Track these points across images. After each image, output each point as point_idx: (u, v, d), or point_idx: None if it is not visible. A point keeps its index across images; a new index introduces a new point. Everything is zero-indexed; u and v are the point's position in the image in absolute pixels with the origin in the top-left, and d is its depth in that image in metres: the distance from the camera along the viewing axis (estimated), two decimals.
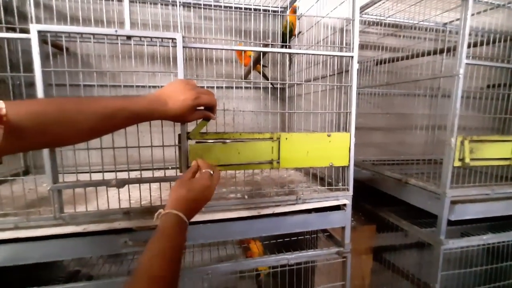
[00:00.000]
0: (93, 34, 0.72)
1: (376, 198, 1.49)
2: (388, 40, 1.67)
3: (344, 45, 0.94)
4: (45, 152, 0.70)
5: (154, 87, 1.30)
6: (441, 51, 1.34)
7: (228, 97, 1.38)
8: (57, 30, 0.67)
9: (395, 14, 1.55)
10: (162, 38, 0.75)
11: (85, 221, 0.75)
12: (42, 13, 1.14)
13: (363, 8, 1.50)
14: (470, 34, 0.96)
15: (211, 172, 0.61)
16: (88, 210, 0.77)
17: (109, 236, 0.75)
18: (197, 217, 0.75)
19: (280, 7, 1.47)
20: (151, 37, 0.74)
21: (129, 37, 0.74)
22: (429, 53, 1.40)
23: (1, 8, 0.96)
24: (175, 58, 0.74)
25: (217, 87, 1.33)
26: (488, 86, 1.68)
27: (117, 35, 0.72)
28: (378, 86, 1.60)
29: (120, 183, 0.74)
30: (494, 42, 1.14)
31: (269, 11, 1.46)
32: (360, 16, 1.56)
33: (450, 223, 1.08)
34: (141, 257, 0.46)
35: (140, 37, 0.74)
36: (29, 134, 0.44)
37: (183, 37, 0.75)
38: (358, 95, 1.67)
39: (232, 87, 1.37)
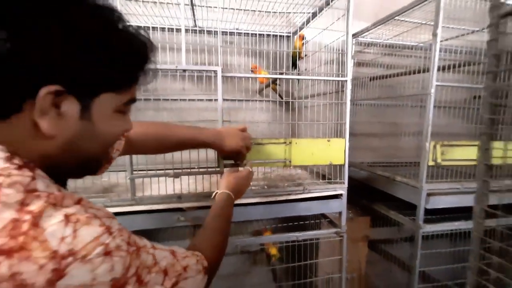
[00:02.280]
0: (160, 70, 1.04)
1: (373, 195, 1.78)
2: (383, 58, 1.98)
3: (340, 70, 1.25)
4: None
5: (192, 100, 1.62)
6: (424, 70, 1.64)
7: (246, 108, 1.69)
8: None
9: (387, 37, 1.86)
10: (207, 71, 1.07)
11: (150, 202, 1.06)
12: None
13: (356, 34, 1.82)
14: (441, 58, 1.26)
15: (250, 169, 0.90)
16: (152, 194, 1.08)
17: (167, 213, 1.06)
18: None
19: (290, 33, 1.79)
20: (200, 70, 1.06)
21: (184, 70, 1.06)
22: (414, 72, 1.70)
23: None
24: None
25: (238, 100, 1.65)
26: (475, 97, 1.97)
27: (177, 69, 1.04)
28: (372, 99, 1.90)
29: (176, 175, 1.06)
30: (462, 65, 1.44)
31: (280, 36, 1.78)
32: (356, 39, 1.89)
33: (430, 213, 1.36)
34: (207, 221, 0.67)
35: (192, 70, 1.06)
36: (136, 145, 0.76)
37: (222, 68, 1.06)
38: (355, 106, 1.99)
39: (249, 100, 1.69)
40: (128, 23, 0.39)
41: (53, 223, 0.31)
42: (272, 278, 1.86)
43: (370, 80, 1.94)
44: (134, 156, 1.04)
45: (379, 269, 1.85)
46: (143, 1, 1.23)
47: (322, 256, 1.48)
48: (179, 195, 1.09)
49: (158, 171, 1.07)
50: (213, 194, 0.83)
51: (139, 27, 0.41)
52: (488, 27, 0.44)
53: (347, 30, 1.19)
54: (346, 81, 1.22)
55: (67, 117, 0.35)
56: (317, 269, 1.45)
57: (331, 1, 1.24)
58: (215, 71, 1.06)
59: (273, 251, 1.68)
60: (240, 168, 0.91)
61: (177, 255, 0.48)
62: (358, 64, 1.96)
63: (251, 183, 0.89)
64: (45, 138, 0.35)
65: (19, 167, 0.33)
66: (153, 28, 1.45)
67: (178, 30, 1.11)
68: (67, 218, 0.32)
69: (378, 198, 1.75)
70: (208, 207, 1.06)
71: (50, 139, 0.36)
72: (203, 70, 1.07)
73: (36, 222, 0.30)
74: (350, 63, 1.22)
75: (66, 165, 0.40)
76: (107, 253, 0.33)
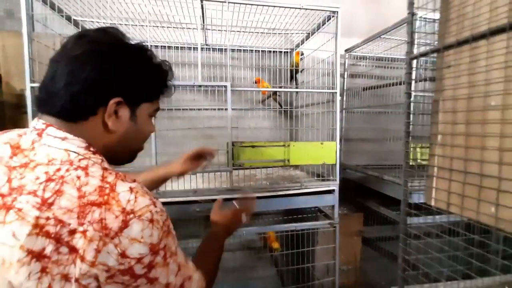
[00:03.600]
0: (180, 85, 1.28)
1: (367, 194, 1.98)
2: (374, 70, 2.22)
3: (331, 83, 1.49)
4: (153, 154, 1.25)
5: (206, 109, 1.86)
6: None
7: (251, 116, 1.93)
8: None
9: (377, 51, 2.10)
10: (219, 86, 1.31)
11: (171, 195, 1.29)
12: None
13: (349, 50, 2.06)
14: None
15: (237, 206, 0.88)
16: (173, 189, 1.31)
17: (186, 205, 1.29)
18: (237, 194, 1.28)
19: (289, 49, 2.04)
20: (213, 85, 1.30)
21: (200, 86, 1.30)
22: (401, 83, 1.93)
23: None
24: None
25: (244, 109, 1.89)
26: None
27: (194, 85, 1.28)
28: (365, 107, 2.13)
29: (193, 172, 1.29)
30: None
31: (280, 52, 2.03)
32: (349, 54, 2.13)
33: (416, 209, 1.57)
34: (200, 254, 0.69)
35: (207, 85, 1.30)
36: None
37: (231, 84, 1.30)
38: (350, 113, 2.21)
39: (253, 109, 1.93)
40: (156, 57, 0.58)
41: (123, 191, 0.45)
42: (275, 271, 2.06)
43: (363, 90, 2.16)
44: (158, 156, 1.28)
45: (372, 262, 2.04)
46: (167, 27, 1.49)
47: (320, 241, 1.69)
48: (195, 190, 1.32)
49: None
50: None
51: (164, 61, 0.61)
52: (405, 65, 0.67)
53: (336, 50, 1.43)
54: (335, 92, 1.45)
55: (122, 119, 0.53)
56: (314, 258, 1.65)
57: (321, 26, 1.48)
58: (225, 86, 1.30)
59: (275, 245, 1.88)
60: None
61: (189, 263, 0.56)
62: (352, 75, 2.19)
63: (245, 217, 0.87)
64: (109, 133, 0.52)
65: (94, 153, 0.50)
66: (171, 47, 1.71)
67: (191, 48, 1.35)
68: (131, 189, 0.46)
69: (372, 198, 1.95)
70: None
71: (112, 133, 0.53)
72: (215, 86, 1.32)
73: (113, 188, 0.45)
74: (338, 78, 1.45)
75: (118, 153, 0.57)
76: (151, 220, 0.45)
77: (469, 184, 0.57)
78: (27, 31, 1.13)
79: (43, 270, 0.40)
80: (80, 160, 0.47)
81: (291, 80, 1.95)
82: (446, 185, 0.65)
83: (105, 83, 0.50)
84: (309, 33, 1.67)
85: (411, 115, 0.79)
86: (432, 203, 0.73)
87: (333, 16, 1.41)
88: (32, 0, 1.18)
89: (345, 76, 2.15)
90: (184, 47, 1.78)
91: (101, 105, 0.50)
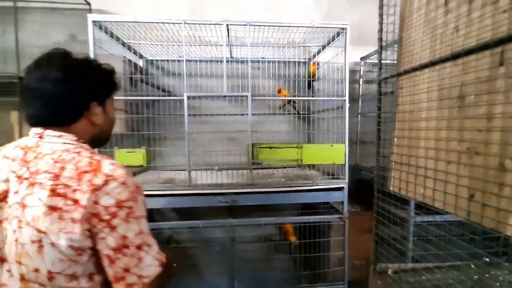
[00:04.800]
0: (209, 96, 1.55)
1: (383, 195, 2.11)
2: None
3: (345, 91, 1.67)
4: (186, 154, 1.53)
5: (231, 115, 2.14)
6: None
7: (270, 121, 2.17)
8: (197, 95, 1.51)
9: (392, 57, 2.23)
10: (241, 96, 1.57)
11: (201, 188, 1.56)
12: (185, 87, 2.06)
13: (364, 58, 2.22)
14: None
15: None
16: (202, 182, 1.58)
17: (212, 197, 1.55)
18: (256, 189, 1.52)
19: (306, 59, 2.24)
20: (235, 95, 1.56)
21: (225, 96, 1.56)
22: None
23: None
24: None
25: (264, 114, 2.13)
26: None
27: (220, 95, 1.54)
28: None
29: (220, 169, 1.55)
30: None
31: (298, 62, 2.24)
32: (365, 61, 2.28)
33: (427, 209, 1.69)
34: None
35: (231, 96, 1.56)
36: None
37: (252, 94, 1.55)
38: (364, 117, 2.35)
39: (272, 114, 2.17)
40: (110, 66, 0.77)
41: (106, 164, 0.65)
42: (292, 263, 2.26)
43: (384, 94, 2.30)
44: (190, 156, 1.56)
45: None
46: (199, 45, 1.78)
47: (334, 242, 1.87)
48: (220, 184, 1.58)
49: (207, 167, 1.57)
50: None
51: (107, 65, 0.76)
52: (377, 85, 0.86)
53: (345, 62, 1.62)
54: (344, 100, 1.63)
55: (100, 115, 0.74)
56: (328, 250, 1.84)
57: (331, 41, 1.68)
58: (246, 96, 1.55)
59: (293, 238, 2.09)
60: None
61: (152, 239, 0.69)
62: (367, 81, 2.33)
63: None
64: (95, 127, 0.74)
65: (83, 143, 0.71)
66: (202, 60, 2.01)
67: (218, 61, 1.61)
68: (112, 163, 0.66)
69: (386, 198, 2.08)
70: (240, 193, 1.54)
71: (97, 126, 0.74)
72: (238, 96, 1.57)
73: (99, 162, 0.65)
74: (347, 86, 1.63)
75: (101, 139, 0.79)
76: (123, 183, 0.64)
77: (409, 173, 0.75)
78: (93, 55, 1.47)
79: (60, 217, 0.61)
80: (74, 148, 0.69)
81: (308, 88, 2.15)
82: (398, 175, 0.83)
83: (85, 94, 0.71)
84: (324, 45, 1.87)
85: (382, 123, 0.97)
86: (391, 189, 0.90)
87: (342, 32, 1.60)
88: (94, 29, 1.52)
89: (361, 83, 2.30)
90: (213, 60, 2.06)
91: (86, 109, 0.72)
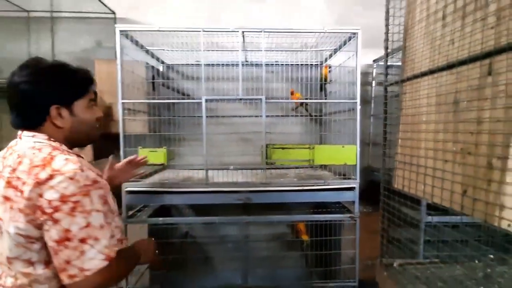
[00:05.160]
0: (226, 99, 1.65)
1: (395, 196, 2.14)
2: None
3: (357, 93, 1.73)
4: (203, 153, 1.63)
5: (245, 116, 2.23)
6: None
7: (284, 122, 2.24)
8: (214, 98, 1.61)
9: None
10: (255, 98, 1.65)
11: (217, 186, 1.66)
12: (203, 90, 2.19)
13: (377, 60, 2.25)
14: None
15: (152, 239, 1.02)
16: (218, 181, 1.68)
17: (228, 194, 1.64)
18: (270, 187, 1.60)
19: (319, 62, 2.30)
20: (250, 98, 1.65)
21: (240, 99, 1.65)
22: None
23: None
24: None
25: (277, 116, 2.21)
26: None
27: (235, 98, 1.64)
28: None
29: (234, 168, 1.64)
30: None
31: (311, 65, 2.31)
32: (377, 64, 2.32)
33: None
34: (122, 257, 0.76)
35: (247, 99, 1.65)
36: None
37: (266, 97, 1.63)
38: (377, 119, 2.38)
39: (286, 116, 2.24)
40: (76, 67, 0.80)
41: (59, 159, 0.69)
42: (304, 261, 2.33)
43: (391, 97, 2.33)
44: (208, 156, 1.66)
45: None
46: (216, 50, 1.89)
47: (345, 241, 1.92)
48: (235, 182, 1.67)
49: (222, 166, 1.67)
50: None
51: (79, 67, 0.81)
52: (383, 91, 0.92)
53: (356, 65, 1.67)
54: (355, 102, 1.69)
55: (65, 117, 0.77)
56: (340, 248, 1.90)
57: (344, 45, 1.74)
58: (260, 99, 1.63)
59: (305, 237, 2.15)
60: None
61: (105, 232, 0.70)
62: (379, 83, 2.37)
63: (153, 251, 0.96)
64: (61, 129, 0.77)
65: (54, 141, 0.76)
66: (219, 64, 2.12)
67: (234, 65, 1.70)
68: (66, 159, 0.70)
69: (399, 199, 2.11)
70: (255, 191, 1.62)
71: (62, 128, 0.77)
72: (253, 99, 1.66)
73: (53, 158, 0.69)
74: (359, 90, 1.68)
75: (78, 139, 0.82)
76: (71, 178, 0.67)
77: (411, 171, 0.81)
78: (120, 62, 1.60)
79: (11, 207, 0.68)
80: (41, 145, 0.74)
81: (320, 90, 2.21)
82: (401, 173, 0.89)
83: (42, 100, 0.75)
84: (336, 49, 1.93)
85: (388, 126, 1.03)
86: (395, 186, 0.96)
87: (353, 36, 1.66)
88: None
89: (373, 85, 2.34)
90: (228, 64, 2.17)
91: (47, 114, 0.75)
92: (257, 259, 2.22)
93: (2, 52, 2.13)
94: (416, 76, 0.79)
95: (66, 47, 2.20)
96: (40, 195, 0.66)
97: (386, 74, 1.04)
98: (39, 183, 0.66)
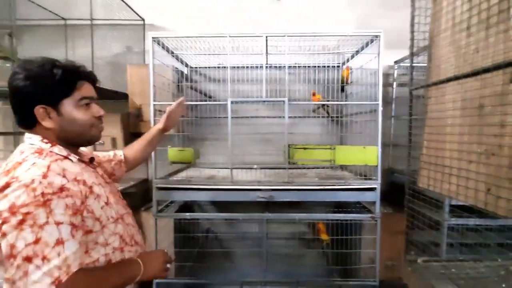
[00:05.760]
0: (249, 101, 1.73)
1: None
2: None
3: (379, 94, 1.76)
4: (228, 153, 1.72)
5: (267, 117, 2.31)
6: None
7: (304, 123, 2.30)
8: (239, 100, 1.70)
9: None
10: (276, 101, 1.72)
11: (241, 184, 1.74)
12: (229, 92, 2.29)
13: (398, 61, 2.27)
14: None
15: (165, 250, 0.87)
16: (243, 179, 1.76)
17: (253, 192, 1.72)
18: (292, 186, 1.67)
19: (340, 63, 2.34)
20: (274, 100, 1.72)
21: (264, 101, 1.73)
22: None
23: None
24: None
25: (299, 117, 2.27)
26: None
27: (259, 100, 1.71)
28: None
29: (258, 167, 1.72)
30: None
31: (331, 66, 2.35)
32: (398, 65, 2.33)
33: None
34: (108, 267, 0.72)
35: (271, 101, 1.72)
36: (131, 161, 1.10)
37: (288, 99, 1.70)
38: (399, 120, 2.38)
39: (306, 117, 2.30)
40: (64, 64, 0.73)
41: (26, 164, 0.63)
42: (323, 259, 2.37)
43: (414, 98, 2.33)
44: (232, 155, 1.75)
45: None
46: (242, 54, 1.98)
47: (365, 241, 1.96)
48: (259, 181, 1.75)
49: (245, 165, 1.75)
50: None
51: (67, 63, 0.75)
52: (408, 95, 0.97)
53: (378, 67, 1.71)
54: (378, 104, 1.72)
55: (53, 117, 0.72)
56: (360, 248, 1.93)
57: (365, 47, 1.78)
58: (283, 101, 1.70)
59: (324, 236, 2.20)
60: None
61: (64, 248, 0.60)
62: (400, 84, 2.37)
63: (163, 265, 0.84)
64: (49, 130, 0.72)
65: (46, 143, 0.71)
66: (243, 67, 2.21)
67: (256, 67, 1.79)
68: (33, 163, 0.64)
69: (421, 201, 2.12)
70: (277, 190, 1.69)
71: (51, 129, 0.72)
72: (276, 101, 1.73)
73: (21, 163, 0.64)
74: (381, 91, 1.72)
75: (73, 139, 0.76)
76: (26, 185, 0.60)
77: (436, 171, 0.85)
78: (152, 66, 1.71)
79: None
80: (27, 148, 0.70)
81: (341, 91, 2.25)
82: (426, 173, 0.93)
83: (28, 100, 0.71)
84: (358, 50, 1.97)
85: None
86: (420, 185, 1.00)
87: (375, 39, 1.70)
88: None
89: (394, 86, 2.35)
90: (251, 67, 2.25)
91: (31, 114, 0.71)
92: (276, 255, 2.29)
93: None
94: (441, 82, 0.83)
95: (98, 53, 2.36)
96: None
97: (411, 79, 1.08)
98: None
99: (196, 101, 2.27)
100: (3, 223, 0.58)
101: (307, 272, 2.31)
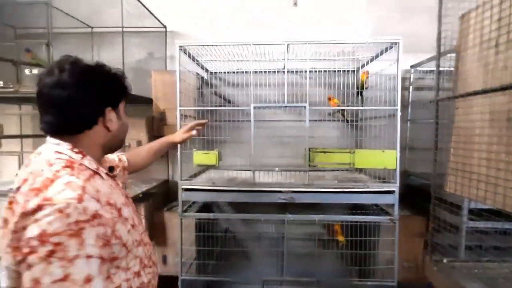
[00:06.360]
0: (271, 107, 1.80)
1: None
2: (442, 84, 2.39)
3: (393, 100, 1.81)
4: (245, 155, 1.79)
5: (286, 120, 2.38)
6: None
7: (322, 126, 2.36)
8: (262, 106, 1.77)
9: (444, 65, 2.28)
10: (297, 106, 1.79)
11: (263, 186, 1.81)
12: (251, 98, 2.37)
13: (415, 66, 2.30)
14: None
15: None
16: (264, 181, 1.83)
17: (274, 193, 1.79)
18: (312, 188, 1.73)
19: (356, 67, 2.39)
20: (295, 106, 1.78)
21: (286, 106, 1.80)
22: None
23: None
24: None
25: (316, 120, 2.33)
26: None
27: (281, 106, 1.78)
28: (429, 118, 2.33)
29: (280, 169, 1.79)
30: None
31: (348, 71, 2.40)
32: (415, 69, 2.36)
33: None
34: None
35: (291, 106, 1.79)
36: (132, 168, 1.05)
37: (309, 104, 1.76)
38: (416, 124, 2.41)
39: (324, 120, 2.35)
40: (119, 71, 0.75)
41: (59, 183, 0.57)
42: (340, 261, 2.42)
43: (430, 102, 2.36)
44: (249, 158, 1.82)
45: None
46: (264, 60, 2.06)
47: (382, 243, 2.00)
48: (280, 183, 1.82)
49: (265, 168, 1.82)
50: None
51: (117, 69, 0.75)
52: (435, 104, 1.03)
53: (397, 73, 1.76)
54: (396, 109, 1.77)
55: (114, 120, 0.72)
56: (377, 249, 1.98)
57: (384, 52, 1.83)
58: (304, 106, 1.77)
59: (341, 238, 2.25)
60: None
61: (93, 283, 0.54)
62: (417, 88, 2.41)
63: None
64: (110, 132, 0.72)
65: (77, 152, 0.66)
66: (262, 72, 2.28)
67: (275, 72, 1.85)
68: (68, 183, 0.57)
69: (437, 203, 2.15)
70: (298, 192, 1.75)
71: (111, 132, 0.72)
72: (297, 106, 1.80)
73: (53, 180, 0.57)
74: (399, 96, 1.76)
75: (113, 145, 0.77)
76: (60, 210, 0.53)
77: (464, 177, 0.90)
78: (178, 73, 1.80)
79: (4, 234, 0.58)
80: (57, 158, 0.63)
81: (357, 96, 2.30)
82: (454, 179, 0.98)
83: (99, 100, 0.70)
84: (377, 55, 2.02)
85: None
86: (447, 190, 1.05)
87: (394, 46, 1.75)
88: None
89: (410, 90, 2.38)
90: (271, 71, 2.33)
91: (100, 115, 0.70)
92: (293, 255, 2.35)
93: None
94: (469, 94, 0.89)
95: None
96: (24, 228, 0.54)
97: (438, 90, 1.13)
98: (25, 214, 0.54)
99: (216, 105, 2.35)
100: (31, 253, 0.52)
101: (326, 272, 2.36)
